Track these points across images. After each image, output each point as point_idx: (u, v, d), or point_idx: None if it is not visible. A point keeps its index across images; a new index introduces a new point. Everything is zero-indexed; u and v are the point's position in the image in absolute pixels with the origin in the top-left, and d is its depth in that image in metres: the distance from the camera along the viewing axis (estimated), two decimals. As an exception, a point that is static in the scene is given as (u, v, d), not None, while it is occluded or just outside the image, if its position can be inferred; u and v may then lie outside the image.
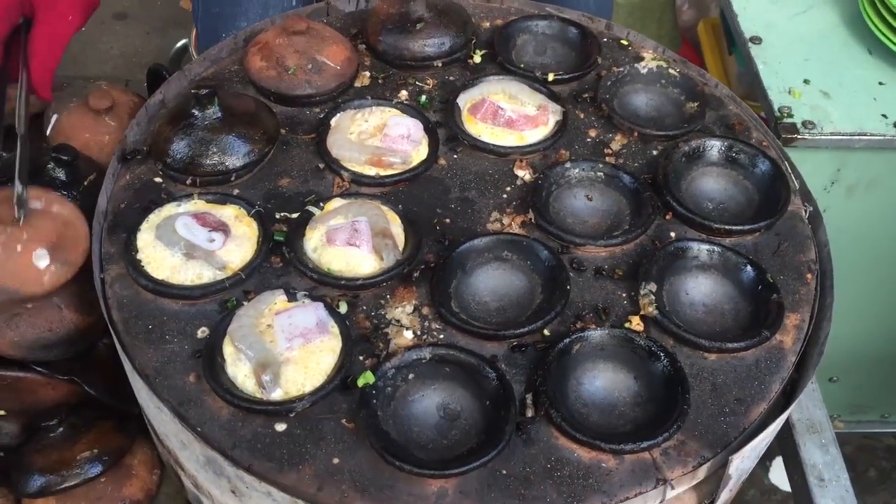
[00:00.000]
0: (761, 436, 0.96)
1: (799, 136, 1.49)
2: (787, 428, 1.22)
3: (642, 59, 1.38)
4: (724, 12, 1.88)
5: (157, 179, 1.18)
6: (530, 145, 1.25)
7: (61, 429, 1.11)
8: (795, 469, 1.22)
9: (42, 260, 1.02)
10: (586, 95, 1.34)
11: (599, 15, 1.48)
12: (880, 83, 1.60)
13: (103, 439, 1.11)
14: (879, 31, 1.60)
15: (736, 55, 2.31)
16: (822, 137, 1.50)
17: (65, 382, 1.14)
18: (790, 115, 1.52)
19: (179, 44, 2.43)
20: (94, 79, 1.54)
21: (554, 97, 1.30)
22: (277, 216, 1.14)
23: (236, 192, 1.16)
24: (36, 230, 1.02)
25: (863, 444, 2.35)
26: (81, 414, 1.13)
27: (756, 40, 1.66)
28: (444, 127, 1.27)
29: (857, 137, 1.50)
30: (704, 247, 1.12)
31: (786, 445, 1.23)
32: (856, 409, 2.25)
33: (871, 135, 1.50)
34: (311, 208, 1.14)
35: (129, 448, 1.15)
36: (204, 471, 0.98)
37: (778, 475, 2.29)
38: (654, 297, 1.07)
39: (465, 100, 1.29)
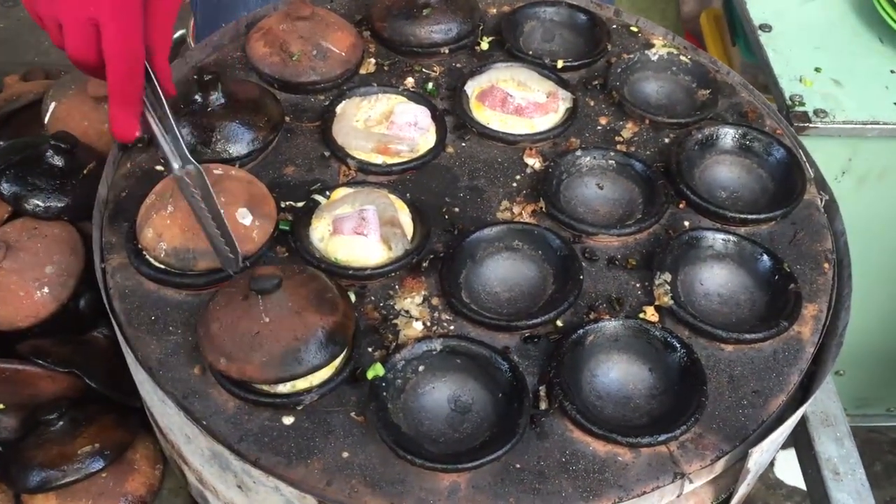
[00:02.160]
0: (780, 429, 0.94)
1: (811, 125, 1.47)
2: (801, 421, 1.20)
3: (652, 45, 1.36)
4: (731, 2, 1.86)
5: (159, 168, 1.15)
6: (540, 133, 1.22)
7: (61, 423, 1.08)
8: (810, 462, 1.20)
9: (246, 218, 1.02)
10: (596, 83, 1.31)
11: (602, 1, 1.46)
12: (892, 71, 1.58)
13: (104, 433, 1.09)
14: (891, 18, 1.58)
15: (740, 46, 2.28)
16: (835, 126, 1.48)
17: (65, 375, 1.12)
18: (801, 104, 1.49)
19: (177, 34, 2.39)
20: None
21: (563, 84, 1.28)
22: (282, 205, 1.11)
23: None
24: (229, 193, 1.01)
25: (868, 437, 2.33)
26: (82, 408, 1.10)
27: (766, 28, 1.64)
28: (451, 114, 1.25)
29: (870, 126, 1.48)
30: (719, 236, 1.10)
31: (800, 439, 1.21)
32: (861, 403, 2.23)
33: (884, 123, 1.48)
34: (317, 197, 1.12)
35: (131, 442, 1.12)
36: (209, 465, 0.96)
37: (783, 469, 2.28)
38: (668, 288, 1.04)
39: (472, 87, 1.27)
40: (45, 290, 1.14)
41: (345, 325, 0.95)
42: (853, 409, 2.23)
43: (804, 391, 1.03)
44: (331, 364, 0.94)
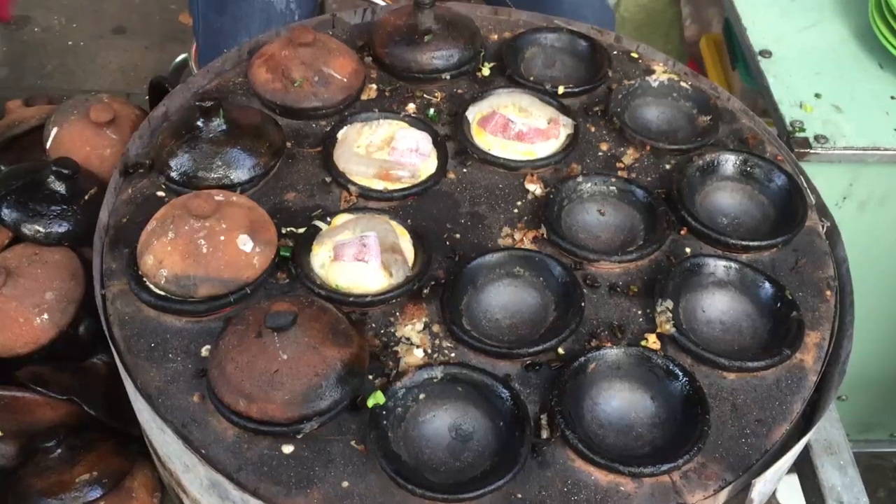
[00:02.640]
0: (784, 458, 0.93)
1: (812, 151, 1.47)
2: (805, 449, 1.19)
3: (653, 72, 1.36)
4: (731, 27, 1.87)
5: (160, 193, 1.15)
6: (541, 159, 1.22)
7: (60, 450, 1.07)
8: (813, 491, 1.19)
9: (247, 244, 1.02)
10: (597, 109, 1.31)
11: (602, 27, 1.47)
12: (892, 97, 1.59)
13: (103, 461, 1.08)
14: (890, 44, 1.59)
15: (740, 70, 2.29)
16: (835, 152, 1.48)
17: (63, 402, 1.11)
18: (802, 130, 1.50)
19: (179, 58, 2.40)
20: (93, 93, 1.51)
21: (565, 110, 1.28)
22: (283, 231, 1.11)
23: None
24: (230, 219, 1.02)
25: (871, 463, 2.31)
26: (80, 435, 1.10)
27: (766, 54, 1.64)
28: (453, 140, 1.25)
29: (871, 152, 1.48)
30: (721, 263, 1.10)
31: (803, 467, 1.20)
32: (864, 428, 2.22)
33: (885, 149, 1.48)
34: (318, 223, 1.11)
35: (130, 470, 1.12)
36: (208, 494, 0.95)
37: (786, 495, 2.25)
38: (670, 315, 1.04)
39: (474, 113, 1.27)
40: (45, 316, 1.14)
41: (361, 356, 0.96)
42: (856, 435, 2.22)
43: (807, 420, 1.02)
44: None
